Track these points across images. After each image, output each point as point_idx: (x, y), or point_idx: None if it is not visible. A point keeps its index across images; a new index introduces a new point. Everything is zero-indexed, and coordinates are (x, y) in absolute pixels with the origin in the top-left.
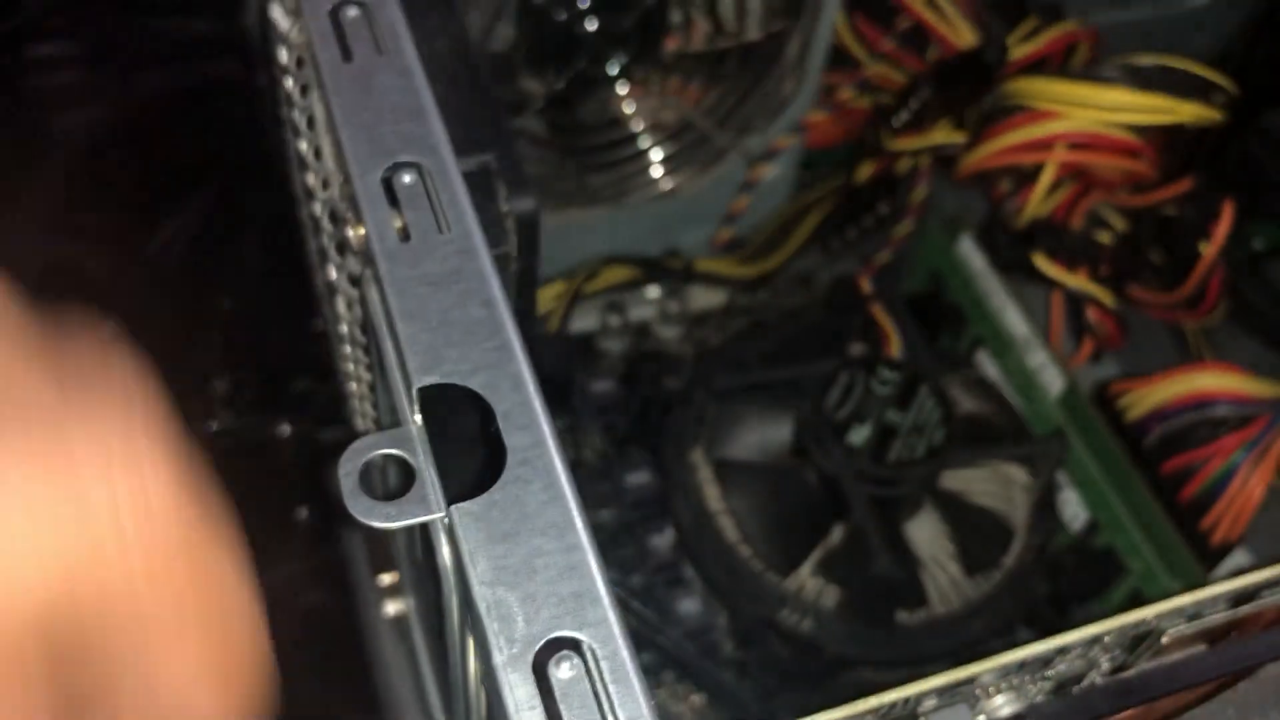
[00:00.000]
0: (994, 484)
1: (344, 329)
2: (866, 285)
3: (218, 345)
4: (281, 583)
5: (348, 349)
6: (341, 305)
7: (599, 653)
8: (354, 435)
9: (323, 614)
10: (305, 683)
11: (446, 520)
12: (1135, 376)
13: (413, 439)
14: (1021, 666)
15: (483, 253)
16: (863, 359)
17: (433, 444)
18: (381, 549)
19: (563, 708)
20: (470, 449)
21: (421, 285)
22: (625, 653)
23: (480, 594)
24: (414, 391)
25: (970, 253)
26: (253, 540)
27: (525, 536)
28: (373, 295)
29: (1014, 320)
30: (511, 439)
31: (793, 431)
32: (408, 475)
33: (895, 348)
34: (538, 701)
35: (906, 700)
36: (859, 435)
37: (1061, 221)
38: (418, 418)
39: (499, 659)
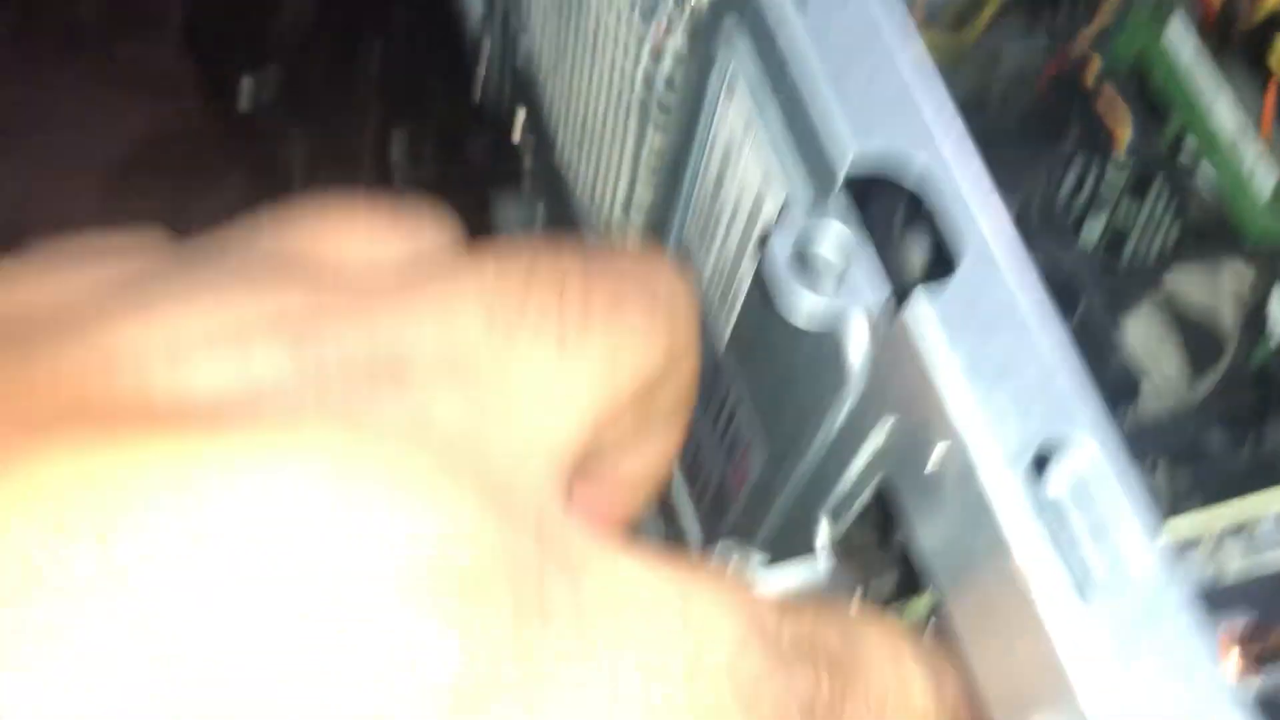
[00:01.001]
0: (1206, 287)
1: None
2: (1095, 65)
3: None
4: None
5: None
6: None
7: (1094, 458)
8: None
9: None
10: None
11: (894, 312)
12: None
13: (845, 216)
14: None
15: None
16: (1095, 147)
17: (863, 225)
18: None
19: (1066, 516)
20: (903, 234)
21: (838, 45)
22: (1120, 459)
23: (964, 391)
24: (841, 166)
25: (1181, 38)
26: None
27: (1003, 330)
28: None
29: (1225, 115)
30: (970, 221)
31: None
32: (843, 260)
33: (1127, 137)
34: (1038, 510)
35: None
36: (1091, 228)
37: None
38: (839, 196)
39: (993, 464)
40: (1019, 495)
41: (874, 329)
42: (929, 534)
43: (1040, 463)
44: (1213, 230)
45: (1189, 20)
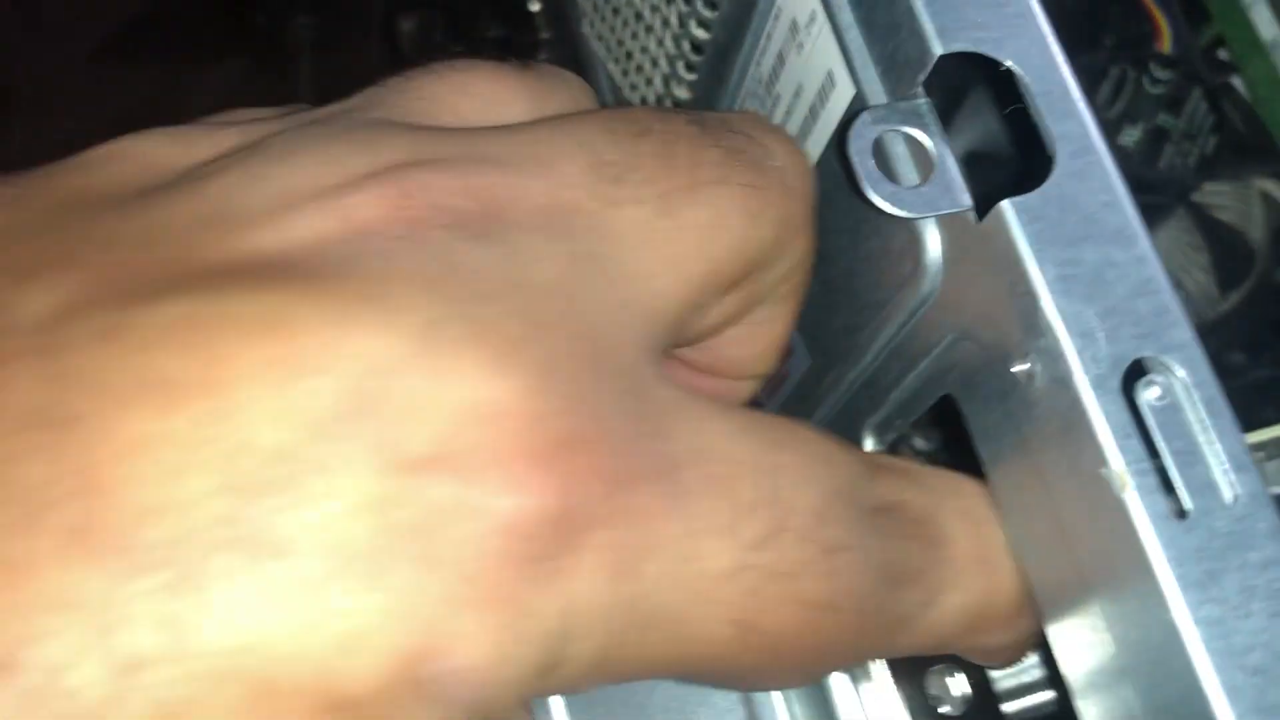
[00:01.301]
0: (1237, 199)
1: None
2: None
3: None
4: None
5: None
6: None
7: (1188, 379)
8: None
9: None
10: None
11: (977, 220)
12: None
13: (924, 115)
14: None
15: None
16: (1133, 53)
17: (944, 129)
18: None
19: (1158, 436)
20: (988, 135)
21: None
22: (1214, 380)
23: (1055, 304)
24: (923, 67)
25: None
26: None
27: (1093, 243)
28: None
29: (1264, 19)
30: (1058, 126)
31: None
32: (922, 159)
33: (1167, 43)
34: (1133, 429)
35: None
36: (1130, 136)
37: None
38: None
39: (1083, 379)
40: (1117, 409)
41: (954, 237)
42: (998, 451)
43: (1129, 381)
44: (1248, 144)
45: None
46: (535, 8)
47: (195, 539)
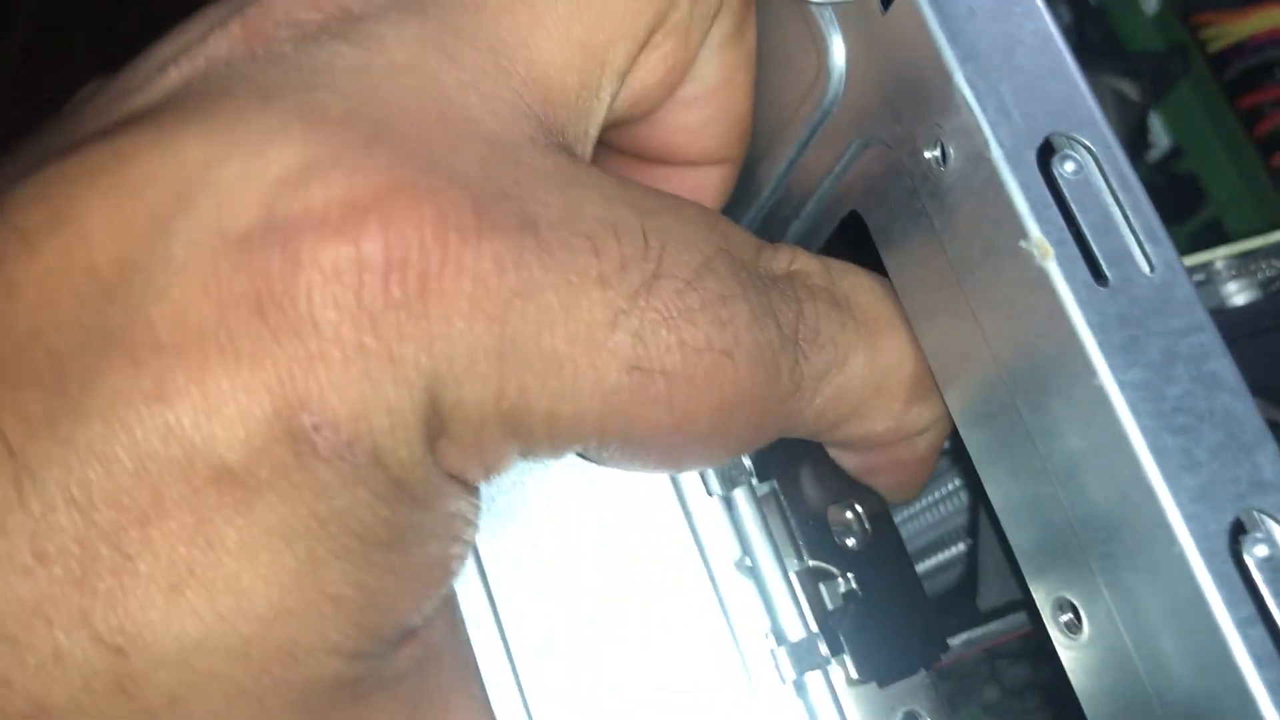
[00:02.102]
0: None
1: None
2: None
3: None
4: None
5: None
6: None
7: (1099, 154)
8: None
9: None
10: None
11: (882, 5)
12: (1224, 8)
13: None
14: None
15: None
16: None
17: None
18: None
19: (1075, 208)
20: None
21: None
22: (1123, 156)
23: (968, 81)
24: None
25: None
26: None
27: (1001, 22)
28: None
29: None
30: None
31: None
32: None
33: None
34: (1050, 200)
35: None
36: None
37: None
38: None
39: (999, 152)
40: (1034, 182)
41: (858, 35)
42: (906, 254)
43: (1044, 156)
44: (1099, 46)
45: None
46: None
47: (67, 347)
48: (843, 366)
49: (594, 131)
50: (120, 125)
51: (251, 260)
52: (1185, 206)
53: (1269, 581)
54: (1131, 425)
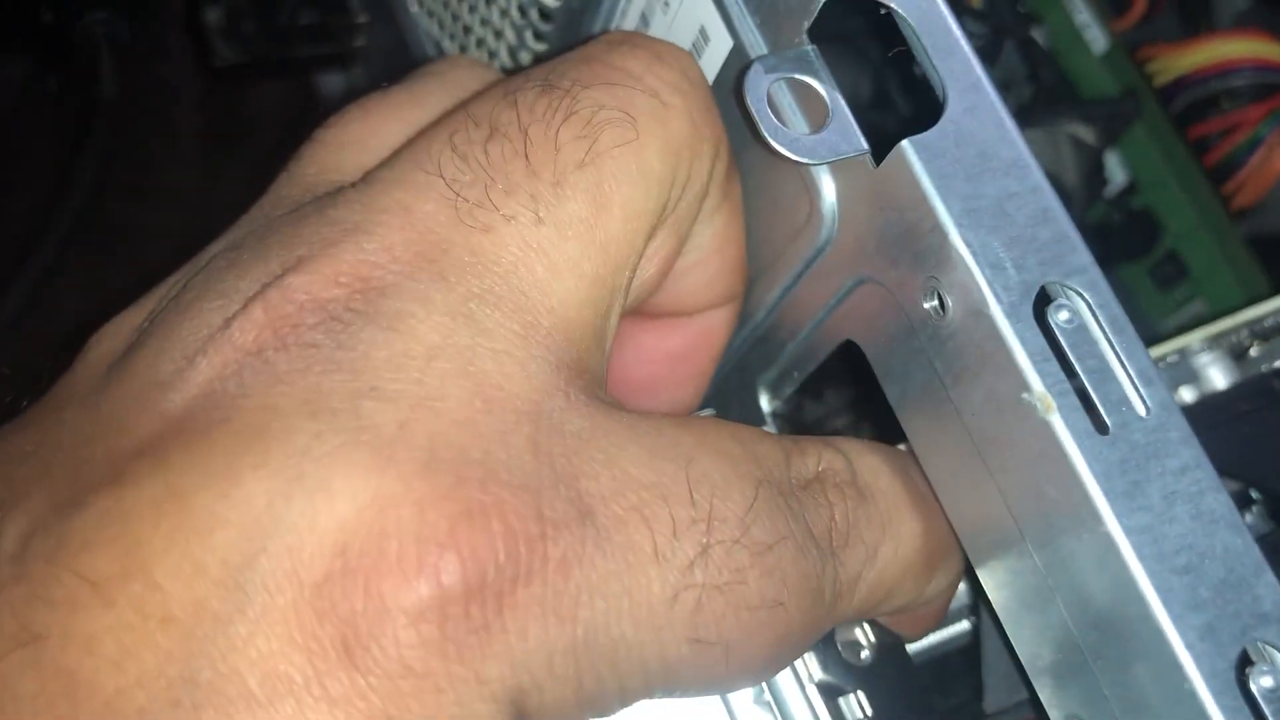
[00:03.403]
0: (1048, 146)
1: None
2: None
3: None
4: None
5: None
6: None
7: (1093, 301)
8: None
9: None
10: None
11: (874, 159)
12: (1166, 42)
13: (813, 62)
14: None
15: None
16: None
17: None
18: None
19: (1073, 357)
20: (875, 79)
21: None
22: (1115, 301)
23: (963, 238)
24: (814, 6)
25: None
26: None
27: (991, 175)
28: None
29: None
30: (944, 64)
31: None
32: (812, 108)
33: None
34: (1049, 352)
35: None
36: None
37: None
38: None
39: (997, 308)
40: (1033, 334)
41: (849, 181)
42: (906, 391)
43: (1040, 306)
44: (1055, 92)
45: None
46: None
47: (158, 706)
48: (874, 561)
49: (608, 346)
50: (162, 440)
51: (335, 606)
52: (1143, 241)
53: (1276, 713)
54: (1138, 568)
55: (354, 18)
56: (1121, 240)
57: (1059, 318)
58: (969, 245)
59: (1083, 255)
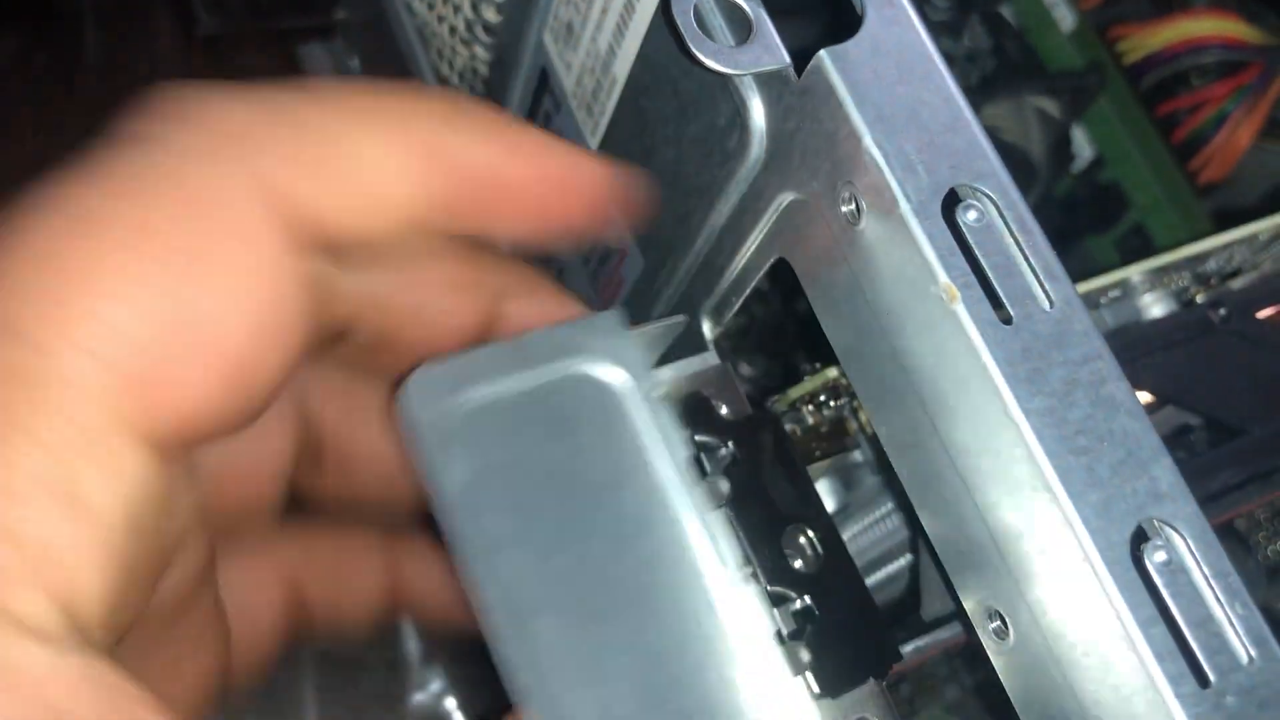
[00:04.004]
0: (1015, 120)
1: None
2: None
3: None
4: None
5: None
6: None
7: (999, 200)
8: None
9: None
10: None
11: (797, 76)
12: (1136, 21)
13: None
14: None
15: None
16: None
17: None
18: None
19: (979, 253)
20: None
21: None
22: (1022, 202)
23: (876, 143)
24: None
25: None
26: None
27: (905, 84)
28: None
29: None
30: None
31: None
32: (738, 23)
33: None
34: (955, 248)
35: None
36: None
37: None
38: None
39: (906, 207)
40: (940, 231)
41: (776, 98)
42: (831, 295)
43: (949, 206)
44: (1021, 65)
45: None
46: None
47: None
48: None
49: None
50: None
51: None
52: (1110, 214)
53: (1168, 584)
54: (1037, 449)
55: None
56: (1088, 213)
57: (967, 217)
58: (882, 149)
59: (991, 160)
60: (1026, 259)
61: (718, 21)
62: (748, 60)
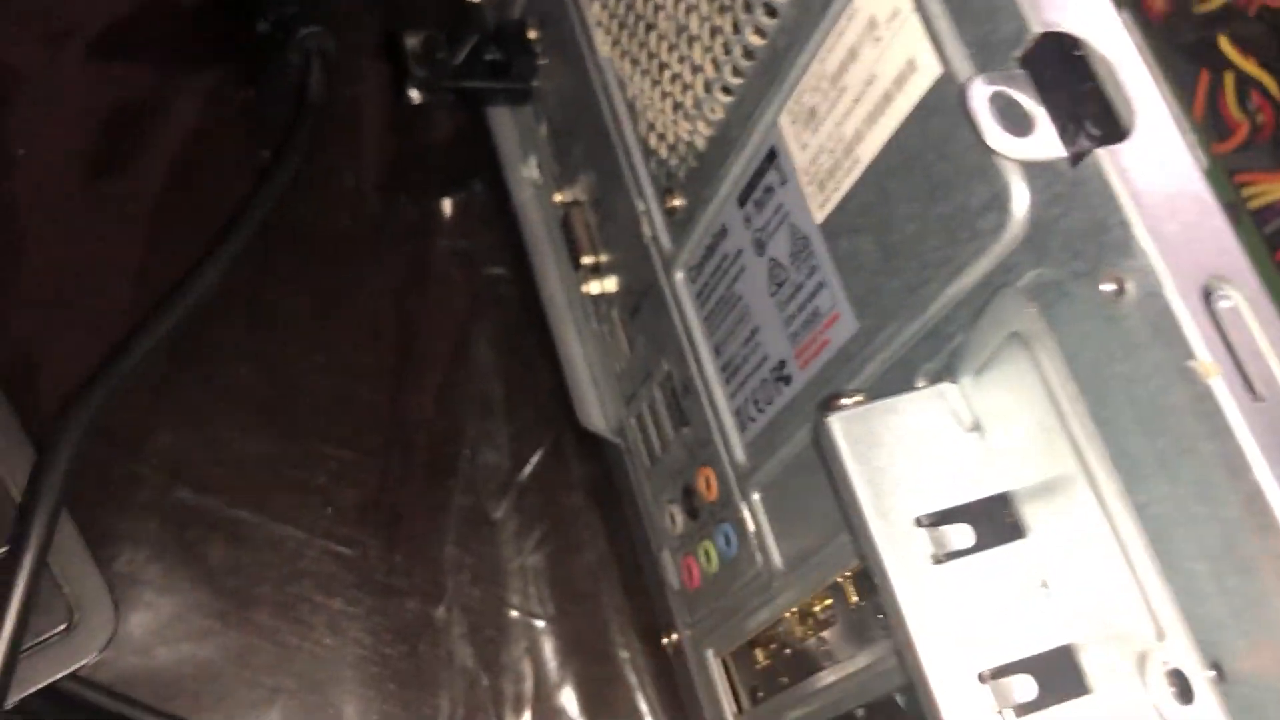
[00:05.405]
0: None
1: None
2: None
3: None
4: None
5: None
6: None
7: (1247, 296)
8: None
9: None
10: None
11: (1070, 163)
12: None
13: (1025, 81)
14: None
15: None
16: None
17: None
18: None
19: (1231, 337)
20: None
21: None
22: (1265, 299)
23: (1147, 231)
24: (1027, 36)
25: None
26: None
27: (1166, 179)
28: None
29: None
30: (1131, 95)
31: None
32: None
33: None
34: (1213, 330)
35: None
36: None
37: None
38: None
39: (1172, 291)
40: (1200, 314)
41: (1043, 187)
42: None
43: (1206, 292)
44: None
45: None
46: (534, 35)
47: None
48: None
49: None
50: None
51: None
52: None
53: None
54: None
55: (536, 59)
56: None
57: (1221, 304)
58: (1153, 236)
59: (1240, 257)
60: (1271, 346)
61: (996, 117)
62: (1036, 149)
